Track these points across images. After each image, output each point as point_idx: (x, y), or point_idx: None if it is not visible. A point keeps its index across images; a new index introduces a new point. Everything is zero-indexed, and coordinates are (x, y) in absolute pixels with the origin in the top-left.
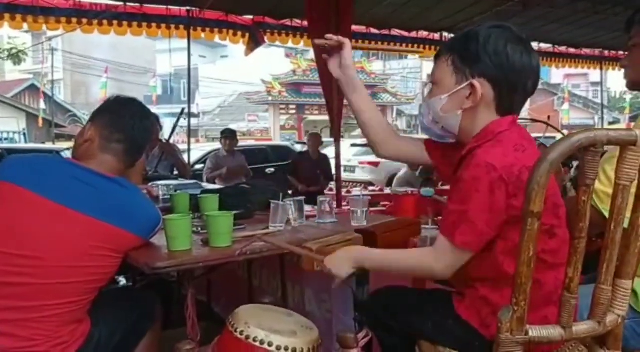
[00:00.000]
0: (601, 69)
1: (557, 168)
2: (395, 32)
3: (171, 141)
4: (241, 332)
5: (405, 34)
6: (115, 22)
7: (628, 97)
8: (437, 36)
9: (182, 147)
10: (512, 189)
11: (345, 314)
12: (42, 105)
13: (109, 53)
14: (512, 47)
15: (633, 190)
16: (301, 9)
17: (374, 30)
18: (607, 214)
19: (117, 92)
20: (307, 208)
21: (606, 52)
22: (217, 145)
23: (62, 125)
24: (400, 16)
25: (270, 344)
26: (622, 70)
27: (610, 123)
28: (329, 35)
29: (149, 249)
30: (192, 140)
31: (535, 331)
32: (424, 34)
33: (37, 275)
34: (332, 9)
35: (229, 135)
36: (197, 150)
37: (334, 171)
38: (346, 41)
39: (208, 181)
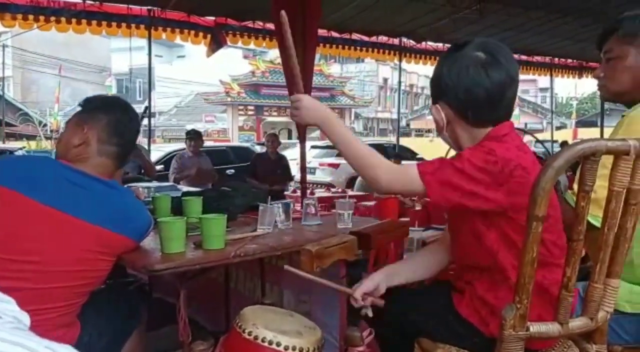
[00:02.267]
0: (551, 75)
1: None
2: (356, 36)
3: None
4: (249, 333)
5: (366, 38)
6: (73, 20)
7: (574, 103)
8: (396, 41)
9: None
10: (501, 178)
11: (325, 314)
12: None
13: (60, 50)
14: (464, 68)
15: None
16: (264, 11)
17: (335, 34)
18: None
19: (71, 91)
20: None
21: (556, 60)
22: (174, 146)
23: (13, 124)
24: (361, 20)
25: (278, 345)
26: (597, 82)
27: (557, 128)
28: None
29: (142, 251)
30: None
31: (536, 327)
32: (383, 38)
33: (34, 279)
34: (299, 13)
35: (194, 136)
36: (155, 151)
37: (296, 172)
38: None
39: (174, 182)
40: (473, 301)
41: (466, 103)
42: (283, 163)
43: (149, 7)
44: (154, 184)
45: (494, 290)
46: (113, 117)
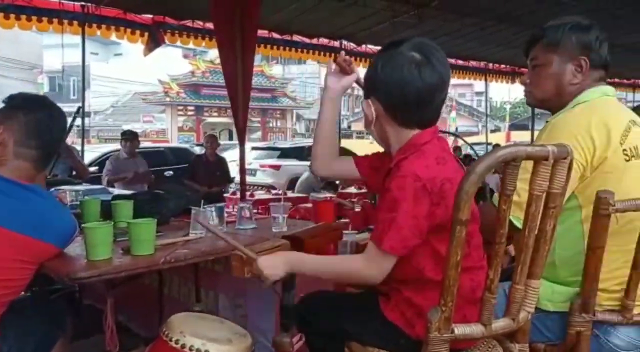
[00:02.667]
0: (485, 80)
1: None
2: (297, 37)
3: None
4: (177, 342)
5: (307, 40)
6: (0, 14)
7: (507, 107)
8: (336, 44)
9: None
10: (435, 198)
11: (260, 318)
12: None
13: None
14: (398, 67)
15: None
16: (203, 10)
17: (276, 35)
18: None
19: None
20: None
21: (490, 65)
22: (110, 146)
23: None
24: (302, 22)
25: None
26: (523, 88)
27: (492, 131)
28: (348, 59)
29: (65, 258)
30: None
31: (460, 329)
32: (324, 41)
33: None
34: (237, 13)
35: (129, 137)
36: (90, 152)
37: (236, 174)
38: (356, 73)
39: (108, 184)
40: (399, 305)
41: (396, 101)
42: (222, 165)
43: (83, 3)
44: (83, 187)
45: (422, 292)
46: (32, 116)
